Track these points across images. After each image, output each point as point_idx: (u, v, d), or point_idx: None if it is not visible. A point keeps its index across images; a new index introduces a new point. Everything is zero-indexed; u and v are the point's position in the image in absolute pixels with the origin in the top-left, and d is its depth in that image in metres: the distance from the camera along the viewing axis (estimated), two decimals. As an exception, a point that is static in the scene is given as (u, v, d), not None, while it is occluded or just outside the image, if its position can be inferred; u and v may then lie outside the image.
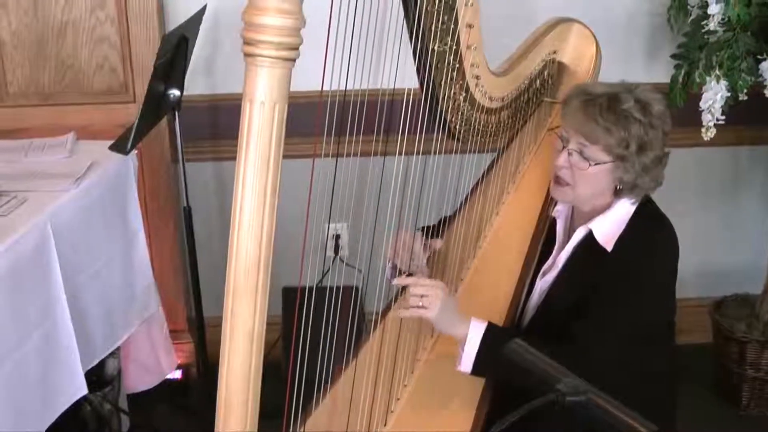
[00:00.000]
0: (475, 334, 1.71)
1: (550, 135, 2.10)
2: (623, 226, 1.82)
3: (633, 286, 1.76)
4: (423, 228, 2.00)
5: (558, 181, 1.85)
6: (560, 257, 1.91)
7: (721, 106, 2.46)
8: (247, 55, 1.20)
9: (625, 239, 1.81)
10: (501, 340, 1.67)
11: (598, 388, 1.23)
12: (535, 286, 1.95)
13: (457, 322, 1.73)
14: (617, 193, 1.83)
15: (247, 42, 1.19)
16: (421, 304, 1.70)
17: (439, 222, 2.04)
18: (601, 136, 1.77)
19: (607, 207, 1.84)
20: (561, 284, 1.89)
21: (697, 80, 2.49)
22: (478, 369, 1.72)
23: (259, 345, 1.29)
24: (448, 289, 1.75)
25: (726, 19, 2.41)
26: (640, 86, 1.82)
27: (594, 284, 1.78)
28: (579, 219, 1.91)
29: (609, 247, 1.81)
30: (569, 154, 1.81)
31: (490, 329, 1.72)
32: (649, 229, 1.83)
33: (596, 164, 1.79)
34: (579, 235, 1.87)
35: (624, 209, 1.84)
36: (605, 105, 1.77)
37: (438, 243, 1.95)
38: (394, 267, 1.94)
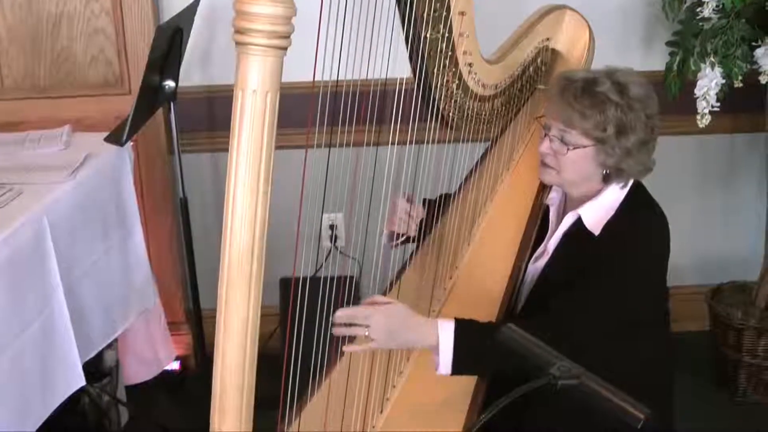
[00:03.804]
0: (446, 336, 1.65)
1: (538, 123, 2.11)
2: (612, 212, 1.83)
3: (615, 270, 1.75)
4: (424, 200, 2.01)
5: (544, 164, 1.86)
6: (551, 243, 1.92)
7: (716, 93, 2.46)
8: (238, 43, 1.20)
9: (613, 224, 1.81)
10: (473, 333, 1.66)
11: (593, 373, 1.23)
12: (527, 272, 1.95)
13: (422, 333, 1.66)
14: (606, 179, 1.83)
15: (238, 30, 1.19)
16: (367, 333, 1.63)
17: (439, 197, 2.05)
18: (576, 120, 1.77)
19: (597, 193, 1.85)
20: (551, 269, 1.90)
21: (692, 67, 2.49)
22: (458, 369, 1.67)
23: (253, 334, 1.28)
24: (394, 306, 1.66)
25: (720, 6, 2.41)
26: (622, 69, 1.81)
27: (581, 268, 1.78)
28: (570, 206, 1.92)
29: (597, 232, 1.82)
30: (550, 140, 1.82)
31: (460, 325, 1.66)
32: (638, 214, 1.83)
33: (575, 148, 1.79)
34: (569, 220, 1.88)
35: (613, 195, 1.84)
36: (580, 89, 1.77)
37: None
38: (391, 234, 1.96)
